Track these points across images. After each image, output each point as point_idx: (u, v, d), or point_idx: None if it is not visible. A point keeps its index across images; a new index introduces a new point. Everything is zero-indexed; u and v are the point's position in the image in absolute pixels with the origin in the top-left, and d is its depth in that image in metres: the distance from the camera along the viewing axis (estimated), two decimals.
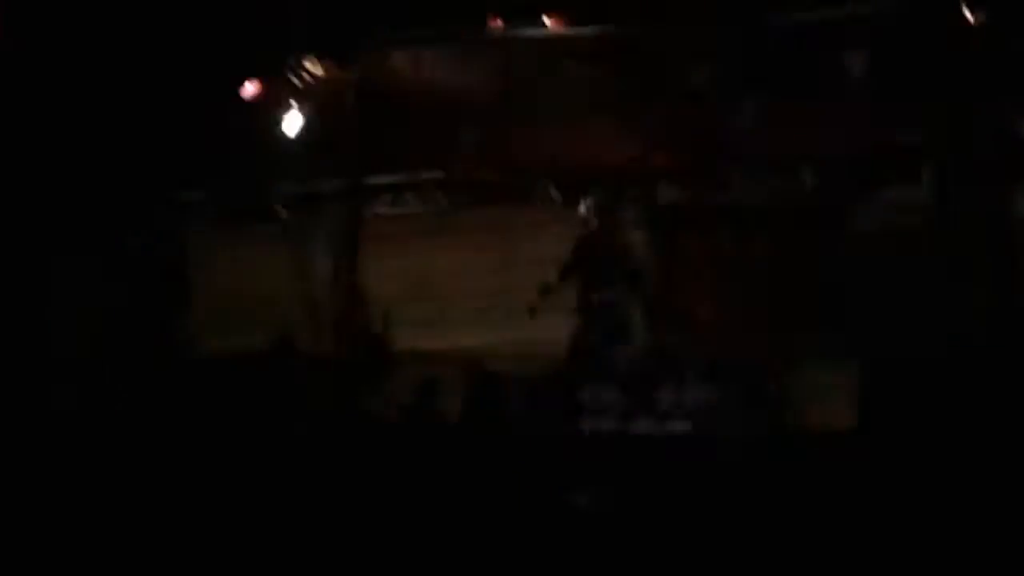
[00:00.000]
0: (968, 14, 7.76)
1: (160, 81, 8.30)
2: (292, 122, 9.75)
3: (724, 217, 11.78)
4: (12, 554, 3.92)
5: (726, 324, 11.74)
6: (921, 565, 4.23)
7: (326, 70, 9.47)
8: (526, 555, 4.11)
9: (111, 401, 7.66)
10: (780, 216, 11.70)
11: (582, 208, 8.78)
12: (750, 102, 9.17)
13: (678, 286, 11.90)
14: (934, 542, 4.53)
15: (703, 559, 4.35)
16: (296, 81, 9.68)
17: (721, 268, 11.85)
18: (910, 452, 5.28)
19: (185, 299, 10.85)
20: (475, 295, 11.63)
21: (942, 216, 10.57)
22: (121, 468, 4.63)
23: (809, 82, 9.35)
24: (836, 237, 11.54)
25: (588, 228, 8.70)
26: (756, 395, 11.23)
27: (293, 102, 9.75)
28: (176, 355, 10.11)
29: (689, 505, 4.56)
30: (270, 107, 9.58)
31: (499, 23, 8.25)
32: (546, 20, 8.20)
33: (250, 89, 9.18)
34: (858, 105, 9.64)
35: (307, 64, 9.51)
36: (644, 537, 4.51)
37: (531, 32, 8.82)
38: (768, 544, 4.49)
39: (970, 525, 4.63)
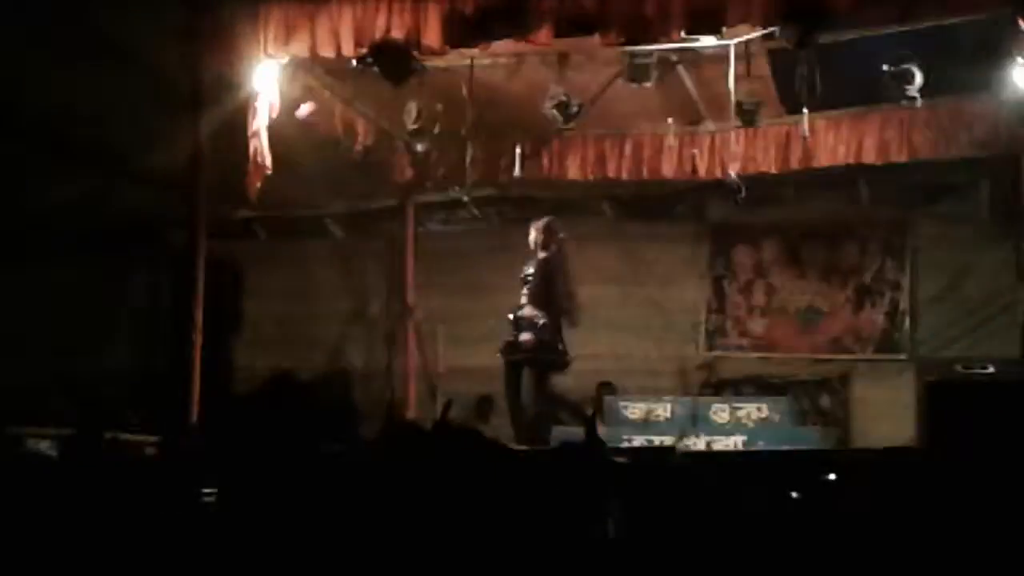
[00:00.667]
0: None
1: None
2: (346, 140, 9.81)
3: (775, 231, 11.75)
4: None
5: (778, 338, 11.70)
6: None
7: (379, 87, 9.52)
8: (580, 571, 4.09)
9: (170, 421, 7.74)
10: (833, 230, 11.65)
11: (531, 232, 9.06)
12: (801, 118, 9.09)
13: (730, 301, 11.88)
14: (992, 561, 4.44)
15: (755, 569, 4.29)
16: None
17: (772, 283, 11.81)
18: (971, 469, 5.18)
19: (239, 318, 10.99)
20: None
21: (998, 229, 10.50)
22: (179, 487, 4.67)
23: (861, 96, 9.28)
24: (889, 250, 11.47)
25: (536, 251, 9.02)
26: (811, 410, 11.17)
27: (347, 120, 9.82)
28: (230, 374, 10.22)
29: (740, 522, 4.51)
30: (324, 125, 9.64)
31: (552, 39, 8.24)
32: (599, 37, 8.17)
33: (304, 109, 9.26)
34: (914, 116, 9.55)
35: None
36: (694, 553, 4.47)
37: (583, 50, 8.81)
38: (823, 560, 4.42)
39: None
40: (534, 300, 9.03)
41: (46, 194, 10.17)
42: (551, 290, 8.98)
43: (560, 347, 9.08)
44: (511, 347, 9.13)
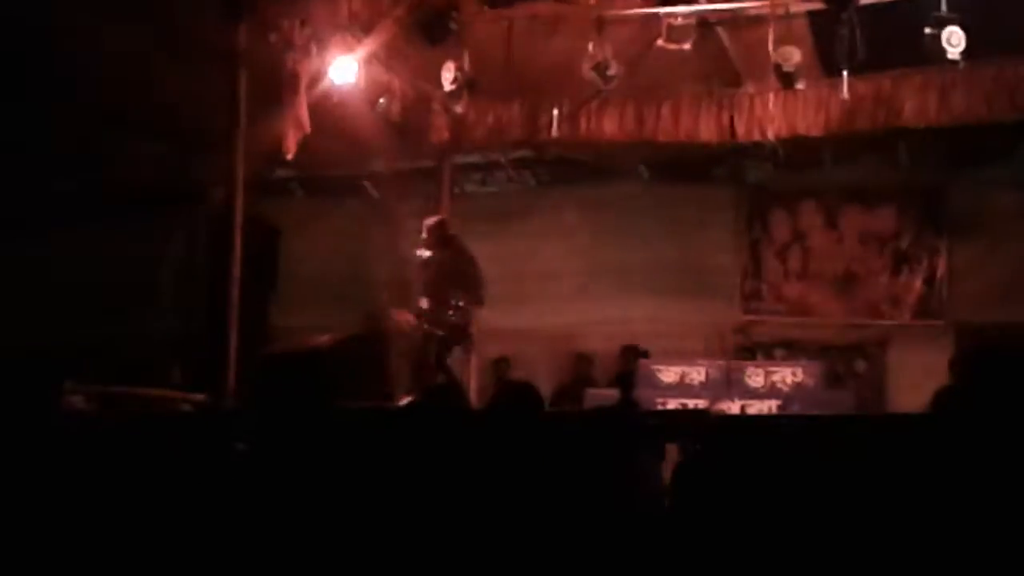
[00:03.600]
0: None
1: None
2: (383, 100, 9.81)
3: (812, 195, 11.68)
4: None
5: (814, 303, 11.65)
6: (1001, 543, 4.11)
7: (418, 48, 9.50)
8: (609, 525, 4.09)
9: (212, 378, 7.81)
10: (871, 194, 11.56)
11: (423, 230, 9.26)
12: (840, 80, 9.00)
13: (766, 265, 11.82)
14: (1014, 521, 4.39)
15: (784, 536, 4.28)
16: (388, 60, 9.74)
17: (809, 247, 11.74)
18: (1002, 433, 5.12)
19: (275, 275, 11.03)
20: (561, 273, 11.66)
21: None
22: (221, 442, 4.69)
23: (901, 58, 9.17)
24: (928, 215, 11.38)
25: (434, 247, 9.19)
26: (847, 375, 11.13)
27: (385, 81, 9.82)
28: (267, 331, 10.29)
29: (771, 486, 4.50)
30: (363, 90, 9.64)
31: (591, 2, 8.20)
32: None
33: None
34: (954, 79, 9.43)
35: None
36: (727, 516, 4.46)
37: (622, 11, 8.74)
38: (851, 520, 4.40)
39: None
40: (429, 294, 9.10)
41: (91, 157, 10.25)
42: (442, 292, 9.03)
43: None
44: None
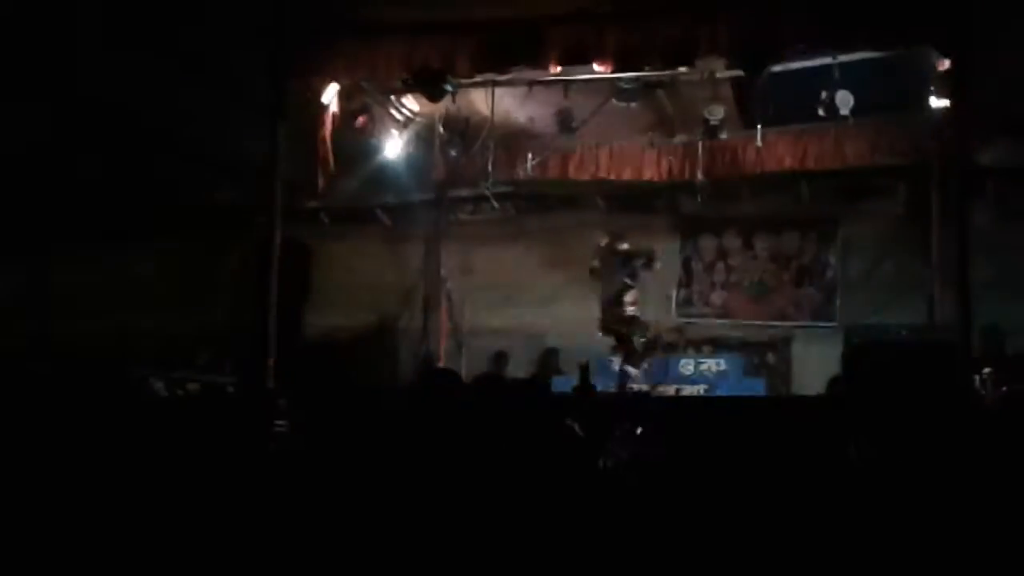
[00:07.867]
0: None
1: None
2: (393, 146, 9.82)
3: (733, 223, 11.71)
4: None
5: (734, 307, 11.68)
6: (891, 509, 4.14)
7: (420, 105, 9.52)
8: (567, 499, 4.07)
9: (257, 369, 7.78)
10: (779, 222, 11.60)
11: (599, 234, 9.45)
12: (755, 132, 9.06)
13: (696, 278, 11.84)
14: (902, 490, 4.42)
15: (711, 490, 4.30)
16: (397, 114, 9.75)
17: (730, 264, 11.77)
18: (883, 413, 5.19)
19: (308, 286, 10.98)
20: (534, 283, 11.65)
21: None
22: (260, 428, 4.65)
23: (803, 114, 9.23)
24: (824, 239, 11.43)
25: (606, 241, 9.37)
26: (759, 365, 11.15)
27: (394, 131, 9.82)
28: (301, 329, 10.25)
29: (700, 454, 4.52)
30: (377, 134, 9.64)
31: (557, 67, 8.21)
32: (595, 65, 8.15)
33: (361, 120, 9.30)
34: (845, 131, 9.50)
35: (405, 100, 9.58)
36: (664, 478, 4.48)
37: (583, 74, 8.77)
38: (759, 483, 4.43)
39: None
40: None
41: (162, 186, 10.22)
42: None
43: None
44: None
